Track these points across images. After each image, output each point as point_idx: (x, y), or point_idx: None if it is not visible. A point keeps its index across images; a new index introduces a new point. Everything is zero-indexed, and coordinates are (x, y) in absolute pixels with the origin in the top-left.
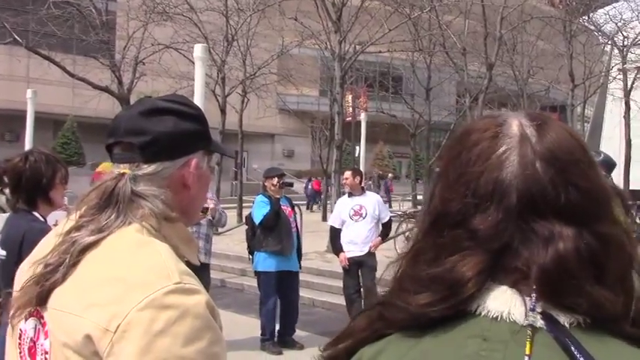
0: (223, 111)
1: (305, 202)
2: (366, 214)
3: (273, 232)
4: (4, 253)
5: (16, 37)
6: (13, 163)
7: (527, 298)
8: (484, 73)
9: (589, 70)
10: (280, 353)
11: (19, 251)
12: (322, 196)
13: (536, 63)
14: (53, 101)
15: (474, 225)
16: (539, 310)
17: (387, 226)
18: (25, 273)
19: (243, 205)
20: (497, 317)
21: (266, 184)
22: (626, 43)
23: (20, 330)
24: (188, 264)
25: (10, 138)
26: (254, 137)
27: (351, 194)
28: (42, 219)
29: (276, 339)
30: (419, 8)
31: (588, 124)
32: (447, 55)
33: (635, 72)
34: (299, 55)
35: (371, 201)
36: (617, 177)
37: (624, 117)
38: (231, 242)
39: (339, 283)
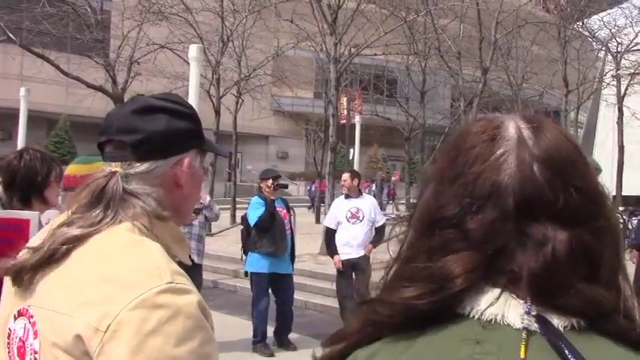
0: (218, 112)
1: (307, 204)
2: (363, 217)
3: (267, 234)
4: None
5: (10, 34)
6: (7, 161)
7: (522, 302)
8: (479, 78)
9: (583, 76)
10: (272, 355)
11: None
12: (316, 199)
13: (530, 68)
14: (46, 100)
15: (468, 226)
16: (534, 313)
17: (380, 231)
18: None
19: (237, 206)
20: (491, 320)
21: (262, 185)
22: (619, 49)
23: (9, 329)
24: (180, 264)
25: (2, 136)
26: (248, 138)
27: (348, 196)
28: None
29: (270, 339)
30: (414, 12)
31: (582, 130)
32: (442, 58)
33: (629, 78)
34: (294, 57)
35: (367, 204)
36: (609, 182)
37: (617, 123)
38: (225, 243)
39: (332, 286)
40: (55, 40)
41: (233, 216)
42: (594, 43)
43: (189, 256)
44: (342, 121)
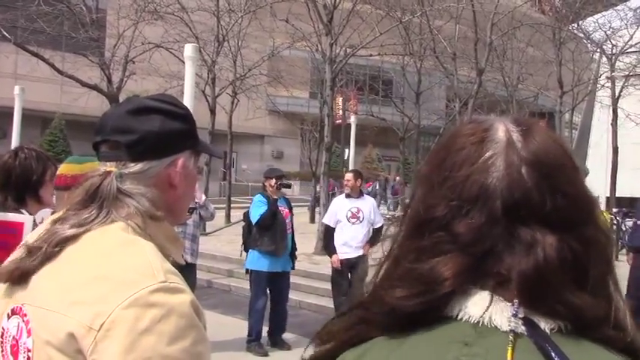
0: (213, 111)
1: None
2: (363, 217)
3: (268, 232)
4: None
5: (5, 33)
6: (2, 160)
7: (509, 304)
8: (474, 79)
9: (578, 78)
10: (266, 354)
11: None
12: (311, 198)
13: (525, 69)
14: (41, 98)
15: (457, 229)
16: (521, 315)
17: (378, 232)
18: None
19: (232, 205)
20: (478, 322)
21: (265, 184)
22: (614, 51)
23: (2, 328)
24: (173, 263)
25: None
26: (243, 138)
27: (348, 195)
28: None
29: (264, 339)
30: (410, 13)
31: (576, 131)
32: (437, 59)
33: (623, 80)
34: (290, 57)
35: (367, 205)
36: (603, 184)
37: (612, 124)
38: (219, 243)
39: (327, 286)
40: (49, 38)
41: (228, 215)
42: (589, 45)
43: (182, 256)
44: (337, 121)
